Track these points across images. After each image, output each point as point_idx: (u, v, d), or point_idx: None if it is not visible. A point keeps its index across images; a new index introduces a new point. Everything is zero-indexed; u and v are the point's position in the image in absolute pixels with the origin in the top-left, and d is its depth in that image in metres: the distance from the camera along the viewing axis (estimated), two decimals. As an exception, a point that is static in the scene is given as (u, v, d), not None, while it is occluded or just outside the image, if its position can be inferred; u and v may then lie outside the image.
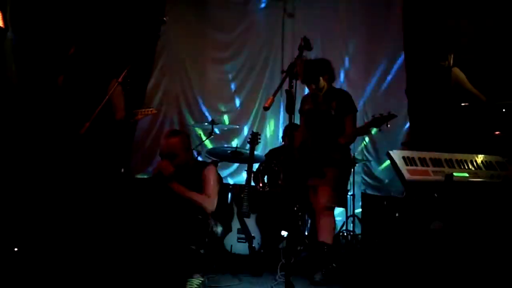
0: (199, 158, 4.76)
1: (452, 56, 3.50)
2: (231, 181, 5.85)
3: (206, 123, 4.97)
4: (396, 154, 2.63)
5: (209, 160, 4.62)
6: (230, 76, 6.18)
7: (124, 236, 3.05)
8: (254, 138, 4.28)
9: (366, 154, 5.72)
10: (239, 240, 3.79)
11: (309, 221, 4.28)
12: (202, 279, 2.96)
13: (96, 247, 3.27)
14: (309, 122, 3.68)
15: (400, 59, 5.68)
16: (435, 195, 2.70)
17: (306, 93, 3.88)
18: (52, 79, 3.72)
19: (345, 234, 5.01)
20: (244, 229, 3.83)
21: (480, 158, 2.70)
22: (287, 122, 4.64)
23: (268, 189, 4.43)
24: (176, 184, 2.95)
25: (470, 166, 2.63)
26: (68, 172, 3.42)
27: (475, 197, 2.61)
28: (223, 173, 5.75)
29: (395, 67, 5.78)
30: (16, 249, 3.34)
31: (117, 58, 3.68)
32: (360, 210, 5.41)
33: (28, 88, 4.23)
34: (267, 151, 5.23)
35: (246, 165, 4.15)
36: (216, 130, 4.98)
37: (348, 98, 3.60)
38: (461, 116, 3.32)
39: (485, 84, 3.62)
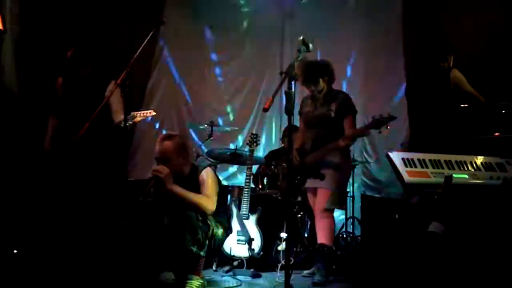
0: (198, 160, 4.75)
1: (452, 57, 3.50)
2: (230, 183, 5.83)
3: (205, 125, 4.96)
4: (396, 156, 2.62)
5: (208, 162, 4.61)
6: (229, 77, 6.17)
7: (124, 237, 3.03)
8: (253, 140, 4.27)
9: (366, 155, 5.71)
10: (238, 242, 3.79)
11: (309, 222, 4.27)
12: (201, 281, 2.95)
13: (95, 249, 3.26)
14: (308, 124, 3.68)
15: (400, 60, 5.68)
16: (435, 196, 2.69)
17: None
18: (51, 81, 3.72)
19: (344, 235, 5.00)
20: (243, 231, 3.83)
21: (479, 159, 2.70)
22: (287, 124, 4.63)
23: (267, 191, 4.42)
24: (175, 185, 2.94)
25: (470, 168, 2.63)
26: (66, 174, 3.41)
27: (474, 198, 2.60)
28: (223, 175, 5.74)
29: (396, 68, 5.76)
30: (15, 251, 3.34)
31: (116, 59, 3.68)
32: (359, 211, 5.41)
33: (27, 90, 4.23)
34: (266, 153, 5.22)
35: (245, 166, 4.15)
36: (215, 132, 4.97)
37: (348, 99, 3.59)
38: (460, 117, 3.31)
39: (485, 85, 3.62)
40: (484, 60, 4.33)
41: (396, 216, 3.71)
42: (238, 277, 3.54)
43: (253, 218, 3.88)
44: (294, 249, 4.00)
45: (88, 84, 3.56)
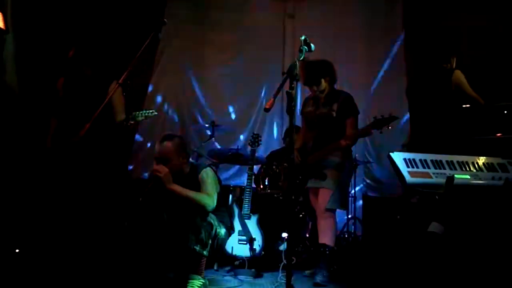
0: (200, 160, 4.76)
1: (455, 59, 3.49)
2: (231, 183, 5.84)
3: (206, 125, 4.97)
4: (397, 156, 2.61)
5: (209, 162, 4.62)
6: (230, 77, 6.17)
7: (126, 237, 3.04)
8: (255, 140, 4.28)
9: (367, 155, 5.71)
10: (240, 242, 3.79)
11: (310, 223, 4.27)
12: (203, 281, 2.96)
13: (97, 248, 3.27)
14: (310, 124, 3.68)
15: (402, 60, 5.68)
16: (436, 197, 2.68)
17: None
18: (52, 81, 3.72)
19: (346, 235, 5.00)
20: (245, 231, 3.83)
21: (481, 160, 2.69)
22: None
23: (269, 191, 4.42)
24: (175, 185, 2.94)
25: (472, 168, 2.62)
26: (68, 174, 3.42)
27: (476, 199, 2.59)
28: (224, 175, 5.74)
29: (396, 68, 5.77)
30: (17, 250, 3.35)
31: (118, 59, 3.69)
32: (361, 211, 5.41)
33: (28, 91, 4.24)
34: (267, 153, 5.22)
35: (247, 167, 4.15)
36: (217, 132, 4.97)
37: (349, 100, 3.59)
38: (462, 118, 3.31)
39: (486, 85, 3.61)
40: (485, 61, 4.33)
41: (398, 216, 3.70)
42: (239, 277, 3.54)
43: (254, 218, 3.88)
44: (296, 249, 4.00)
45: (89, 84, 3.56)
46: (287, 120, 4.43)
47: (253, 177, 4.17)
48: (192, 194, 2.95)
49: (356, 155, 5.00)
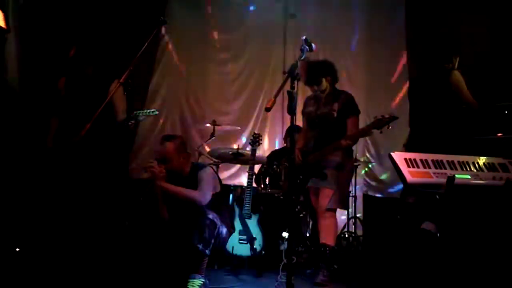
0: (200, 160, 4.76)
1: (457, 59, 3.48)
2: (232, 182, 5.83)
3: (207, 125, 4.97)
4: (398, 156, 2.62)
5: (210, 162, 4.62)
6: (232, 76, 6.17)
7: (126, 236, 3.04)
8: (255, 140, 4.27)
9: (368, 155, 5.71)
10: (240, 241, 3.79)
11: (311, 222, 4.27)
12: (203, 280, 2.96)
13: (98, 248, 3.27)
14: (311, 124, 3.68)
15: (403, 60, 5.68)
16: (437, 197, 2.68)
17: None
18: (53, 81, 3.72)
19: (346, 235, 5.00)
20: (245, 230, 3.83)
21: (482, 160, 2.69)
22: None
23: (269, 190, 4.42)
24: (163, 182, 2.97)
25: (472, 168, 2.62)
26: (68, 174, 3.42)
27: (477, 199, 2.59)
28: (225, 174, 5.74)
29: (398, 68, 5.77)
30: (18, 249, 3.35)
31: (119, 59, 3.69)
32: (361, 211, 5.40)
33: (29, 90, 4.24)
34: (268, 152, 5.22)
35: (248, 166, 4.15)
36: (218, 132, 4.97)
37: (350, 99, 3.59)
38: (462, 118, 3.31)
39: (487, 85, 3.61)
40: (487, 60, 4.33)
41: (398, 216, 3.71)
42: (240, 276, 3.54)
43: (255, 218, 3.88)
44: (296, 248, 4.00)
45: (90, 83, 3.56)
46: (288, 120, 4.43)
47: (254, 176, 4.17)
48: (180, 190, 3.00)
49: (357, 154, 4.99)
